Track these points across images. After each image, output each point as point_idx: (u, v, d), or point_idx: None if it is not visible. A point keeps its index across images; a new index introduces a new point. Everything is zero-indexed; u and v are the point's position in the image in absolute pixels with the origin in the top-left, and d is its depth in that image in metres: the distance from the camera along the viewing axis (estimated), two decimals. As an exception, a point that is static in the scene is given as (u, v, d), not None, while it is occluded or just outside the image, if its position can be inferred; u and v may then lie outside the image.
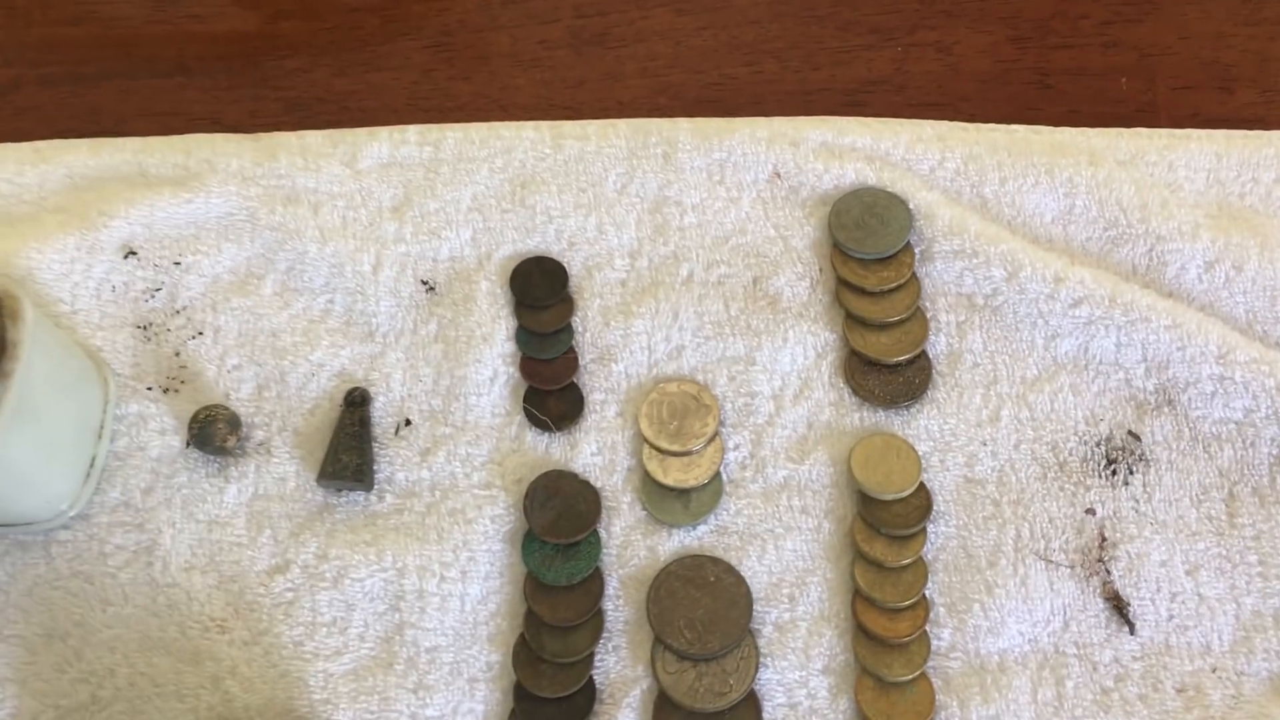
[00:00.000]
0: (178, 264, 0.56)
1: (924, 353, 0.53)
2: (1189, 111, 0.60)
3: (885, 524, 0.49)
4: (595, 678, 0.49)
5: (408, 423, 0.53)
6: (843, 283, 0.55)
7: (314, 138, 0.59)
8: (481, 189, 0.58)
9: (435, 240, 0.57)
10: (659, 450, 0.52)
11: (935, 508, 0.50)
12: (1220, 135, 0.58)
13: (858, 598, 0.49)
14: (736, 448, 0.52)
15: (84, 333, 0.55)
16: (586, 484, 0.51)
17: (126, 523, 0.51)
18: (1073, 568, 0.49)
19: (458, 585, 0.50)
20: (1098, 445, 0.51)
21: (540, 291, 0.55)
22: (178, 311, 0.55)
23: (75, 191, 0.58)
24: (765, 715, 0.47)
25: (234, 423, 0.52)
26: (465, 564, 0.50)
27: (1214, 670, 0.47)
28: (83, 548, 0.51)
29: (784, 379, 0.53)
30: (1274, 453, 0.51)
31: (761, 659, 0.48)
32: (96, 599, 0.50)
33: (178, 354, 0.54)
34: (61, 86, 0.62)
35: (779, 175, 0.57)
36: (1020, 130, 0.58)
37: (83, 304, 0.55)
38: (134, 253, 0.56)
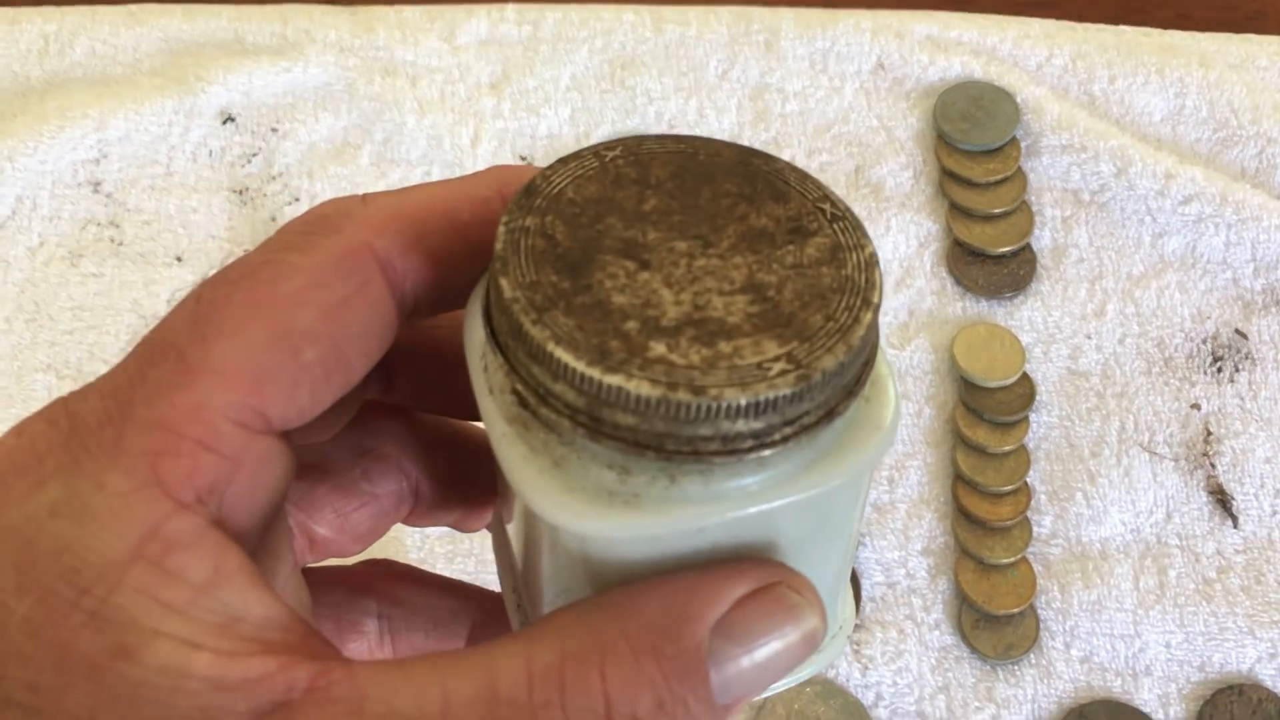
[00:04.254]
0: (275, 130, 0.56)
1: (1028, 245, 0.53)
2: (1298, 22, 0.59)
3: (988, 410, 0.49)
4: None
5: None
6: (947, 174, 0.54)
7: (412, 13, 0.58)
8: (580, 69, 0.57)
9: (534, 117, 0.56)
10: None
11: (1038, 398, 0.50)
12: (1332, 44, 0.57)
13: (959, 482, 0.48)
14: (837, 332, 0.52)
15: (179, 195, 0.54)
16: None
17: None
18: (1176, 461, 0.49)
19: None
20: (1204, 342, 0.51)
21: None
22: (274, 177, 0.55)
23: (171, 56, 0.57)
24: (864, 593, 0.47)
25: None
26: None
27: (1316, 567, 0.47)
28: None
29: (885, 266, 0.53)
30: (1382, 357, 0.50)
31: (860, 538, 0.48)
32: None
33: (274, 219, 0.54)
34: (155, -46, 0.61)
35: (883, 66, 0.57)
36: (1129, 31, 0.57)
37: (178, 166, 0.55)
38: (231, 118, 0.56)
